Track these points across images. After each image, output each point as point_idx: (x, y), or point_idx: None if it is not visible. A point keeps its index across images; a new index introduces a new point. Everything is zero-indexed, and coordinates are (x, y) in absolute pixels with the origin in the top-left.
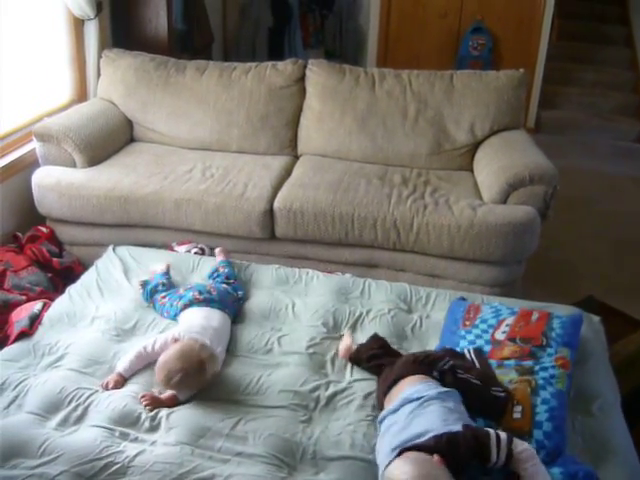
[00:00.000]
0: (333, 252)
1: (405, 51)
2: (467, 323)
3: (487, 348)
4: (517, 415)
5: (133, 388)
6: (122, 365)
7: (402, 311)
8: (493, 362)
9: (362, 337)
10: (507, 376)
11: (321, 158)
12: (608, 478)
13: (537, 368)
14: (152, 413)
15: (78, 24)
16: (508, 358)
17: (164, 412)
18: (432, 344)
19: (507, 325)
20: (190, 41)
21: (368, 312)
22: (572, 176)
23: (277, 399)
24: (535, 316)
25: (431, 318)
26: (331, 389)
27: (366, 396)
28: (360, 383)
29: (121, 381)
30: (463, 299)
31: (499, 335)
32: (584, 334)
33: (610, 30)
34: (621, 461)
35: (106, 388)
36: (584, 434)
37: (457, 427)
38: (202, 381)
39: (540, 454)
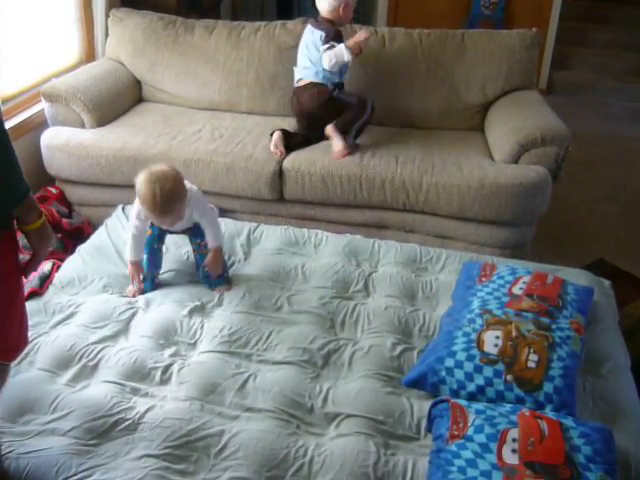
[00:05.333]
0: (342, 213)
1: (416, 10)
2: (484, 279)
3: (505, 300)
4: (532, 365)
5: (143, 342)
6: (130, 255)
7: (412, 271)
8: (511, 311)
9: (373, 298)
10: (525, 325)
11: None
12: (617, 439)
13: (554, 327)
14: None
15: None
16: (526, 310)
17: (176, 366)
18: (442, 304)
19: (524, 282)
20: (198, 0)
21: (378, 273)
22: (584, 138)
23: (286, 355)
24: (550, 279)
25: (441, 279)
26: (340, 347)
27: (374, 355)
28: (369, 342)
29: (138, 269)
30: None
31: (516, 290)
32: (595, 298)
33: None
34: (630, 423)
35: (134, 295)
36: (594, 396)
37: None
38: (183, 193)
39: (546, 408)
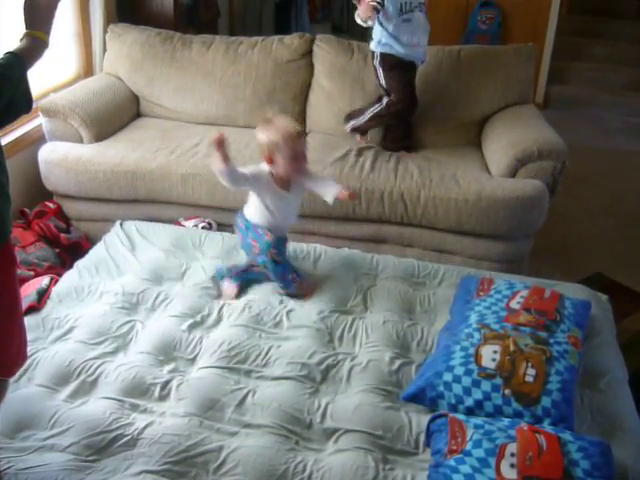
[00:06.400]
0: (341, 227)
1: None
2: (481, 293)
3: (502, 314)
4: (529, 379)
5: (142, 358)
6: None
7: (410, 286)
8: (509, 325)
9: (371, 312)
10: (522, 339)
11: (329, 136)
12: (616, 453)
13: (552, 341)
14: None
15: None
16: (524, 325)
17: (175, 382)
18: (440, 318)
19: (521, 297)
20: (196, 15)
21: (376, 287)
22: (581, 152)
23: (285, 370)
24: (548, 293)
25: (439, 293)
26: (338, 362)
27: (372, 370)
28: (367, 357)
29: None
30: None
31: (514, 304)
32: (592, 312)
33: (621, 4)
34: (628, 437)
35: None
36: (592, 409)
37: None
38: None
39: (544, 422)
